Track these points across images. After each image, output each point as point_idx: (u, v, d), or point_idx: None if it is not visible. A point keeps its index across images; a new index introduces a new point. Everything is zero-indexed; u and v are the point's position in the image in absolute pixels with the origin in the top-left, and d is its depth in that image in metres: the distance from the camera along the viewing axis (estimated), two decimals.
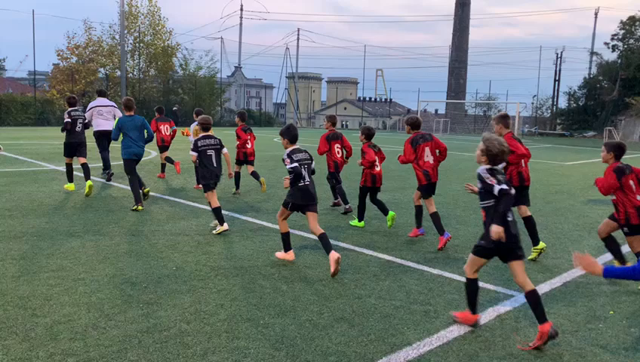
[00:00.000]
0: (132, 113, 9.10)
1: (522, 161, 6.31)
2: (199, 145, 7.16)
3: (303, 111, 72.41)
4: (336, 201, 9.54)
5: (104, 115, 11.67)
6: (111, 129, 10.38)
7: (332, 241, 5.82)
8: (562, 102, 58.03)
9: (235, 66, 70.19)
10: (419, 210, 7.26)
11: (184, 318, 4.27)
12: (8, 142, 14.84)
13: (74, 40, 41.82)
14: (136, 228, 7.31)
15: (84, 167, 9.94)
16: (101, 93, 12.47)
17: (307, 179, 5.85)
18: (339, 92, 76.91)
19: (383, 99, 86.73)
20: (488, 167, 4.17)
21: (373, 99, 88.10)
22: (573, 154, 26.14)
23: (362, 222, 7.90)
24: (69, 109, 10.33)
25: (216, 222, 7.20)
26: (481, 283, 5.38)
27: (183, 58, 47.99)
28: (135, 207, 8.45)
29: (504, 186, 3.99)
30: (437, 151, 7.09)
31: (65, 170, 10.46)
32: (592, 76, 55.03)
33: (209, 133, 7.37)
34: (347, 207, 8.94)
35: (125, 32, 41.24)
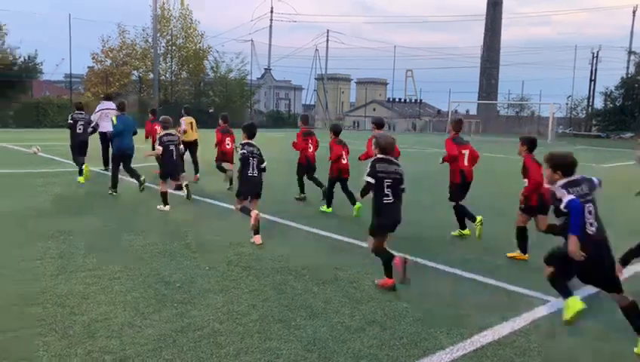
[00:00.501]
0: (125, 113, 10.23)
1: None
2: (164, 140, 8.70)
3: (332, 113, 72.46)
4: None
5: (110, 118, 11.74)
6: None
7: (365, 243, 5.80)
8: (598, 103, 56.67)
9: (265, 68, 70.73)
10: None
11: (217, 318, 4.31)
12: (45, 144, 15.28)
13: (108, 43, 42.74)
14: (169, 228, 7.42)
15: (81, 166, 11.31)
16: (107, 98, 13.60)
17: (255, 171, 6.83)
18: (368, 93, 76.64)
19: (413, 100, 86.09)
20: None
21: (402, 100, 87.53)
22: (609, 156, 25.47)
23: (330, 208, 8.69)
24: (75, 112, 11.64)
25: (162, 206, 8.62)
26: (516, 288, 5.31)
27: (214, 61, 48.56)
28: (111, 191, 9.78)
29: None
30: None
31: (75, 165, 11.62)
32: (629, 76, 53.53)
33: (169, 130, 8.97)
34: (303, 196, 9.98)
35: (158, 35, 41.95)
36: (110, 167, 11.37)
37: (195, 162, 12.31)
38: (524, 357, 3.87)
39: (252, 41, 58.84)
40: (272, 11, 66.94)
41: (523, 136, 6.63)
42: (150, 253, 6.13)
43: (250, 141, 6.95)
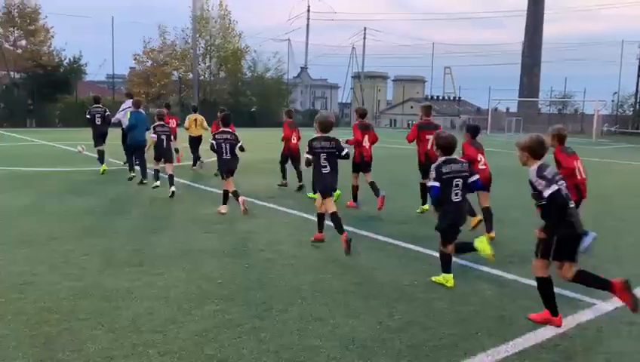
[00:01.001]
0: (139, 110, 11.88)
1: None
2: (157, 130, 10.08)
3: (369, 111, 72.18)
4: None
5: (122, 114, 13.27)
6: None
7: (401, 243, 5.77)
8: None
9: (301, 67, 71.01)
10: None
11: (257, 315, 4.37)
12: (89, 143, 15.81)
13: (149, 44, 43.72)
14: (209, 225, 7.54)
15: (101, 153, 12.79)
16: (129, 96, 15.13)
17: (227, 154, 8.20)
18: (405, 91, 75.90)
19: (452, 98, 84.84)
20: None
21: (441, 98, 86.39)
22: None
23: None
24: (92, 106, 13.15)
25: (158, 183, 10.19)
26: (560, 290, 5.17)
27: (252, 60, 49.07)
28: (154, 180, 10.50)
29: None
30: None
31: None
32: None
33: (162, 122, 10.35)
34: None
35: (197, 35, 42.65)
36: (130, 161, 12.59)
37: (194, 155, 13.98)
38: (569, 361, 3.77)
39: (289, 40, 59.01)
40: (309, 10, 67.06)
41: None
42: (191, 250, 6.25)
43: (225, 129, 8.53)
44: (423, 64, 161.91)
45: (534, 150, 4.36)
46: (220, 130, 8.56)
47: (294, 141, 10.88)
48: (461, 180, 5.22)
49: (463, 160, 5.51)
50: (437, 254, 6.31)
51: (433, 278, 5.33)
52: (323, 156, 6.50)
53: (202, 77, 45.52)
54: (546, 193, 4.22)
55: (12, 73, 36.70)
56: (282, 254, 6.19)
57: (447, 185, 5.14)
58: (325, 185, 6.52)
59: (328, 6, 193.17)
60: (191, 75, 42.51)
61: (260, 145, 23.46)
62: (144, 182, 11.00)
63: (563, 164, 6.09)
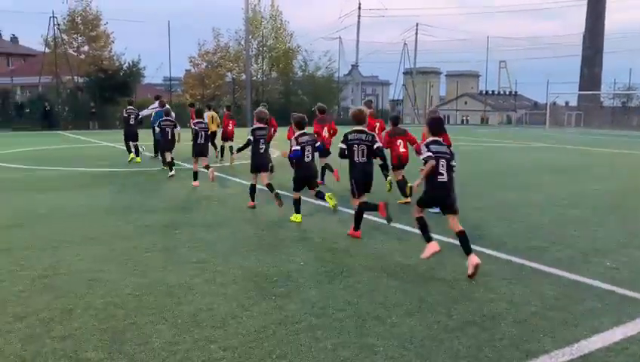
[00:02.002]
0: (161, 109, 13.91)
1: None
2: (196, 127, 11.09)
3: (421, 107, 71.12)
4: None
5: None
6: None
7: (457, 242, 5.65)
8: None
9: (352, 65, 70.85)
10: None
11: (313, 313, 4.41)
12: (148, 143, 16.41)
13: (204, 47, 44.78)
14: (264, 224, 7.67)
15: (135, 147, 15.24)
16: (157, 98, 16.68)
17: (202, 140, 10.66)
18: (459, 86, 74.36)
19: (507, 92, 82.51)
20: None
21: (496, 93, 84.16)
22: None
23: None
24: (127, 107, 15.73)
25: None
26: (627, 291, 4.96)
27: (303, 60, 49.40)
28: (169, 171, 12.11)
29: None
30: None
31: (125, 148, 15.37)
32: None
33: (200, 118, 11.48)
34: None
35: (250, 37, 43.35)
36: (158, 155, 14.57)
37: (212, 146, 15.45)
38: None
39: (340, 38, 59.24)
40: (359, 7, 66.85)
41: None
42: (247, 248, 6.37)
43: (200, 119, 11.26)
44: (477, 58, 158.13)
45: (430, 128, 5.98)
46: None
47: (325, 136, 11.11)
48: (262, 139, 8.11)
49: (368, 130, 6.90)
50: (496, 253, 6.19)
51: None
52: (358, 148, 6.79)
53: (255, 77, 46.21)
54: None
55: (76, 78, 38.45)
56: (337, 252, 6.21)
57: (350, 150, 6.72)
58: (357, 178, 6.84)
59: (379, 2, 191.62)
60: (244, 76, 43.26)
61: None
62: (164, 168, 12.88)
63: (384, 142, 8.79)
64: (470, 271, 5.26)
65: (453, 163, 5.79)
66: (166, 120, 12.28)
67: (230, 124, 15.55)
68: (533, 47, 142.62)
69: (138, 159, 15.20)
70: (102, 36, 39.52)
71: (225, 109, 16.84)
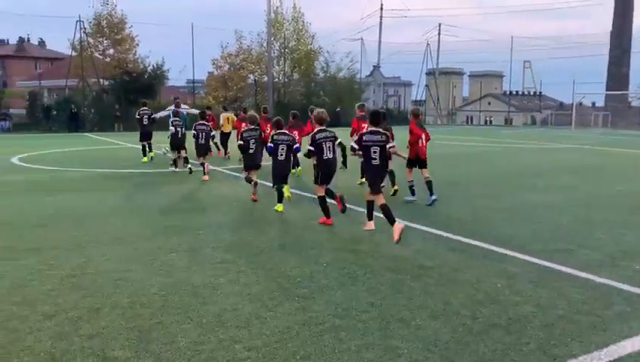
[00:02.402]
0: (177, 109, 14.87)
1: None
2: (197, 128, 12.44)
3: (444, 108, 70.63)
4: None
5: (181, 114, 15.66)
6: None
7: (483, 244, 5.63)
8: None
9: (374, 66, 70.67)
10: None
11: (337, 314, 4.41)
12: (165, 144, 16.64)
13: (226, 49, 45.12)
14: (287, 224, 7.70)
15: (143, 147, 16.04)
16: (175, 99, 17.43)
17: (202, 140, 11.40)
18: (483, 86, 73.53)
19: (532, 93, 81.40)
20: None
21: (520, 93, 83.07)
22: None
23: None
24: (141, 108, 16.56)
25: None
26: None
27: (324, 61, 49.43)
28: (172, 167, 13.56)
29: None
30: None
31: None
32: None
33: (202, 121, 12.83)
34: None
35: (272, 39, 43.54)
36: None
37: (224, 146, 17.63)
38: None
39: (362, 39, 58.94)
40: (381, 8, 66.71)
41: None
42: (270, 248, 6.40)
43: (202, 121, 12.74)
44: (501, 59, 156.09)
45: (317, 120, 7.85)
46: (278, 131, 8.71)
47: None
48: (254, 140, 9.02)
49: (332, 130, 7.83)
50: (520, 256, 6.11)
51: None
52: (372, 149, 7.04)
53: (276, 79, 46.40)
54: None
55: (101, 80, 39.12)
56: (360, 254, 6.20)
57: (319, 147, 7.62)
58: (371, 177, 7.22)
59: (401, 3, 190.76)
60: (266, 78, 43.49)
61: None
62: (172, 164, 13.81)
63: (414, 132, 9.46)
64: (396, 236, 6.37)
65: (390, 145, 7.03)
66: (202, 124, 12.75)
67: (244, 125, 15.61)
68: (558, 47, 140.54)
69: (144, 159, 15.88)
70: (127, 39, 40.12)
71: (242, 112, 18.09)
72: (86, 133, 32.69)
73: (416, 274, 5.47)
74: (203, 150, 12.68)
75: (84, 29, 38.48)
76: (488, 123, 68.77)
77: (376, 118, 7.23)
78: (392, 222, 6.55)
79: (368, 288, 5.04)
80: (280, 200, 8.56)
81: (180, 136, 13.33)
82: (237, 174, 11.70)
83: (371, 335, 4.00)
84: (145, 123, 16.17)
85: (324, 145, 7.66)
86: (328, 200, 7.77)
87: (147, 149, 16.07)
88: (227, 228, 7.48)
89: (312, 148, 7.64)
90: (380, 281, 5.23)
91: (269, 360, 3.63)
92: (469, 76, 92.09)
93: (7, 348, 3.77)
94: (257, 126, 9.90)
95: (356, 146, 7.09)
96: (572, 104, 51.71)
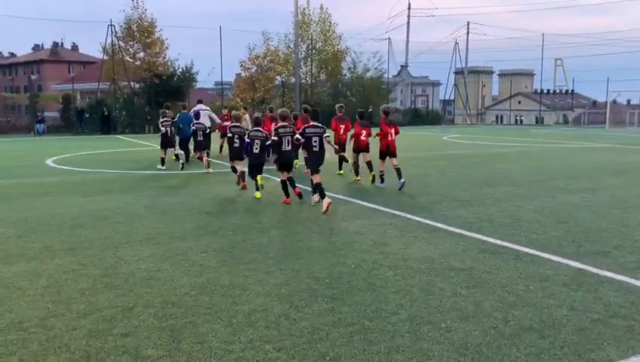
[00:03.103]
0: (186, 112, 16.14)
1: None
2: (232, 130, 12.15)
3: (473, 108, 69.68)
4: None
5: (204, 115, 16.48)
6: (208, 125, 15.49)
7: (515, 246, 5.52)
8: None
9: (402, 65, 70.19)
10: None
11: (366, 315, 4.39)
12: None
13: (254, 51, 45.39)
14: (315, 225, 7.70)
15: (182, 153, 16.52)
16: (200, 101, 18.31)
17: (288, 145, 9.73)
18: (513, 85, 72.25)
19: (564, 91, 79.72)
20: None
21: (551, 92, 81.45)
22: None
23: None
24: (163, 113, 16.48)
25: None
26: None
27: (352, 61, 49.30)
28: (182, 162, 14.77)
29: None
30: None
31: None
32: None
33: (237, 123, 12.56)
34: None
35: (299, 40, 43.65)
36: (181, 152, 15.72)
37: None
38: None
39: (389, 39, 58.76)
40: (409, 8, 66.21)
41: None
42: (299, 249, 6.42)
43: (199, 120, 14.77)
44: (532, 57, 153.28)
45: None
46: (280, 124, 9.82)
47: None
48: (318, 138, 9.21)
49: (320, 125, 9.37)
50: (554, 258, 5.98)
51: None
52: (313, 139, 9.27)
53: (303, 80, 46.50)
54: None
55: (132, 83, 39.82)
56: (389, 255, 6.16)
57: (308, 140, 9.23)
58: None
59: (429, 2, 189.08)
60: (293, 79, 43.62)
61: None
62: (183, 163, 14.76)
63: (382, 128, 11.31)
64: (324, 208, 8.46)
65: (326, 135, 9.24)
66: (236, 126, 12.69)
67: (273, 124, 16.53)
68: (591, 44, 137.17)
69: (173, 157, 16.73)
70: (156, 43, 40.67)
71: (267, 111, 18.57)
72: (117, 135, 33.35)
73: (446, 275, 5.41)
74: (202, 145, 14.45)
75: (116, 33, 39.24)
76: (519, 122, 67.63)
77: (316, 115, 9.91)
78: (323, 196, 8.71)
79: (398, 290, 5.01)
80: (257, 188, 10.04)
81: (169, 135, 14.78)
82: (266, 175, 11.73)
83: (401, 338, 3.97)
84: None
85: (283, 139, 9.31)
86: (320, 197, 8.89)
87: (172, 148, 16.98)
88: (256, 229, 7.52)
89: (275, 139, 9.33)
90: (409, 283, 5.19)
91: (299, 360, 3.64)
92: (499, 75, 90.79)
93: (45, 345, 3.87)
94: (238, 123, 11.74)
95: (301, 138, 9.19)
96: (606, 102, 50.42)
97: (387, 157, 11.37)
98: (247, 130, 11.33)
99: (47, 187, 11.63)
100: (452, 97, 64.52)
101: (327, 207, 8.45)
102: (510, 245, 6.53)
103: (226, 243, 6.69)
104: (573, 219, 8.12)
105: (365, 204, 9.40)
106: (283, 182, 9.47)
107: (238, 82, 48.00)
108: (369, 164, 11.82)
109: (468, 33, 62.69)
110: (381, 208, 8.93)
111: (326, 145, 9.43)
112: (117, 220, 8.07)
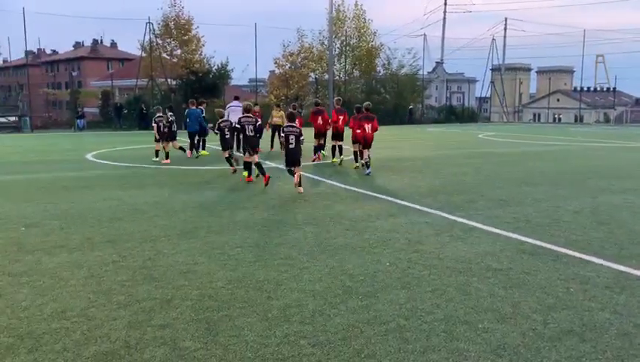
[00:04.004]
0: (194, 107, 17.64)
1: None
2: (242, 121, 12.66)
3: (510, 105, 68.35)
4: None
5: (235, 112, 16.55)
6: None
7: (554, 246, 5.38)
8: None
9: (437, 62, 69.36)
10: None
11: (401, 314, 4.36)
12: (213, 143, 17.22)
13: (288, 48, 45.55)
14: (350, 222, 7.69)
15: (203, 142, 17.91)
16: (236, 98, 19.05)
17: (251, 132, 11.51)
18: (551, 82, 70.51)
19: (605, 89, 77.44)
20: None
21: (592, 89, 79.21)
22: None
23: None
24: (197, 107, 18.00)
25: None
26: None
27: (386, 58, 48.95)
28: (197, 155, 17.04)
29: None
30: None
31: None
32: None
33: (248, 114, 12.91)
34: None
35: (333, 37, 43.59)
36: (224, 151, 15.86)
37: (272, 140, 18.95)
38: None
39: (424, 35, 57.97)
40: (445, 4, 65.40)
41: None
42: (334, 246, 6.42)
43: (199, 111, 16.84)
44: (572, 53, 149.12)
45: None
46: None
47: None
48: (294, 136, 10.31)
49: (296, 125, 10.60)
50: (595, 259, 5.82)
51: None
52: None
53: (337, 77, 46.42)
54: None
55: (169, 80, 40.52)
56: (424, 254, 6.11)
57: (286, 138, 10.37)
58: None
59: None
60: (326, 76, 43.60)
61: (398, 142, 23.44)
62: (197, 155, 16.92)
63: (350, 124, 13.62)
64: (296, 180, 10.20)
65: (302, 137, 10.36)
66: (247, 117, 13.71)
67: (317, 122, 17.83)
68: (634, 40, 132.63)
69: (203, 152, 17.63)
70: (193, 40, 41.25)
71: (296, 107, 19.77)
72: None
73: (483, 276, 5.33)
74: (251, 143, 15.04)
75: (154, 30, 39.96)
76: (557, 120, 66.02)
77: (292, 116, 10.76)
78: (263, 173, 10.95)
79: (433, 289, 4.96)
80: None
81: (161, 130, 15.79)
82: (308, 175, 11.74)
83: (437, 337, 3.93)
84: (172, 128, 17.62)
85: (246, 127, 11.30)
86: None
87: (200, 144, 17.78)
88: (290, 224, 7.56)
89: (239, 126, 11.44)
90: (445, 282, 5.14)
91: (334, 357, 3.64)
92: (537, 72, 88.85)
93: (87, 334, 3.98)
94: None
95: (282, 135, 10.56)
96: None
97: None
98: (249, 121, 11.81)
99: (87, 181, 11.95)
100: (488, 94, 63.42)
101: (268, 182, 10.66)
102: (549, 246, 6.38)
103: (261, 238, 6.75)
104: (615, 220, 7.87)
105: (399, 201, 9.33)
106: (248, 164, 11.48)
107: (271, 79, 48.29)
108: (355, 154, 13.96)
109: (505, 29, 61.56)
110: (415, 206, 8.86)
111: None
112: (155, 214, 8.24)
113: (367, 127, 13.16)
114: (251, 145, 11.33)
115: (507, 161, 16.05)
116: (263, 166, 11.70)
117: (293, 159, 10.36)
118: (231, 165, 12.95)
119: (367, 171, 12.68)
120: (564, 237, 6.80)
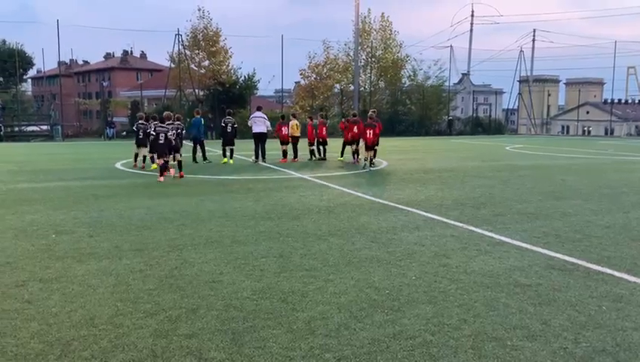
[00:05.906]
0: (198, 116, 18.89)
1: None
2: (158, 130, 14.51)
3: (538, 117, 67.34)
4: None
5: (257, 123, 18.47)
6: (264, 131, 18.39)
7: (584, 262, 5.23)
8: None
9: (463, 73, 68.92)
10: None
11: (428, 329, 4.30)
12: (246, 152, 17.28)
13: (314, 59, 45.80)
14: (375, 234, 7.64)
15: (231, 151, 18.63)
16: (259, 108, 19.73)
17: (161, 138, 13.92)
18: (581, 94, 69.32)
19: (637, 101, 75.76)
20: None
21: (623, 101, 77.55)
22: None
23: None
24: (226, 117, 19.03)
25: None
26: None
27: (412, 69, 48.83)
28: (206, 161, 18.35)
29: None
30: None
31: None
32: None
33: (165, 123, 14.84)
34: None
35: (359, 48, 43.68)
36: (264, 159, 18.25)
37: (294, 150, 19.46)
38: None
39: (451, 46, 57.80)
40: (472, 15, 65.02)
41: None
42: (358, 258, 6.38)
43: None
44: (601, 65, 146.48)
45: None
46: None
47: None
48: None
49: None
50: (629, 277, 5.66)
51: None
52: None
53: (362, 88, 46.46)
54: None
55: (196, 90, 41.12)
56: (450, 268, 6.02)
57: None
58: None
59: (493, 9, 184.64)
60: (352, 87, 43.67)
61: (424, 153, 23.27)
62: (208, 161, 18.32)
63: (359, 128, 18.12)
64: (172, 172, 12.98)
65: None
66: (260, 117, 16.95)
67: (324, 130, 20.27)
68: None
69: (224, 160, 18.48)
70: (220, 51, 41.86)
71: (319, 117, 21.36)
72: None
73: (511, 291, 5.22)
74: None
75: (182, 42, 40.66)
76: (586, 133, 64.77)
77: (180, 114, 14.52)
78: (180, 169, 13.65)
79: (460, 304, 4.88)
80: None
81: (141, 136, 16.54)
82: (325, 183, 11.82)
83: (464, 353, 3.86)
84: (228, 130, 18.57)
85: (160, 135, 13.72)
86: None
87: (227, 153, 18.53)
88: (315, 236, 7.55)
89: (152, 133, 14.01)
90: (472, 298, 5.05)
91: None
92: (565, 84, 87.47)
93: (114, 342, 4.03)
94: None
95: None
96: None
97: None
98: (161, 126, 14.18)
99: (116, 189, 12.16)
100: (516, 106, 62.66)
101: (180, 175, 13.51)
102: (580, 262, 6.23)
103: (286, 249, 6.75)
104: None
105: (425, 214, 9.25)
106: (164, 164, 13.74)
107: (297, 90, 48.57)
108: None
109: (534, 40, 60.82)
110: (442, 219, 8.76)
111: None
112: (182, 223, 8.32)
113: (370, 132, 16.55)
114: (160, 150, 13.69)
115: (535, 174, 15.79)
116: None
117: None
118: (162, 173, 13.81)
119: (369, 169, 15.65)
120: (595, 253, 6.63)
